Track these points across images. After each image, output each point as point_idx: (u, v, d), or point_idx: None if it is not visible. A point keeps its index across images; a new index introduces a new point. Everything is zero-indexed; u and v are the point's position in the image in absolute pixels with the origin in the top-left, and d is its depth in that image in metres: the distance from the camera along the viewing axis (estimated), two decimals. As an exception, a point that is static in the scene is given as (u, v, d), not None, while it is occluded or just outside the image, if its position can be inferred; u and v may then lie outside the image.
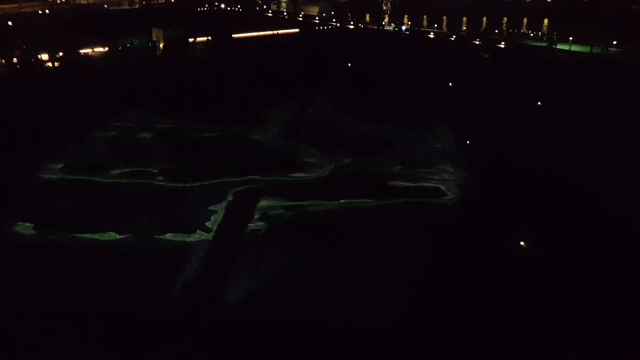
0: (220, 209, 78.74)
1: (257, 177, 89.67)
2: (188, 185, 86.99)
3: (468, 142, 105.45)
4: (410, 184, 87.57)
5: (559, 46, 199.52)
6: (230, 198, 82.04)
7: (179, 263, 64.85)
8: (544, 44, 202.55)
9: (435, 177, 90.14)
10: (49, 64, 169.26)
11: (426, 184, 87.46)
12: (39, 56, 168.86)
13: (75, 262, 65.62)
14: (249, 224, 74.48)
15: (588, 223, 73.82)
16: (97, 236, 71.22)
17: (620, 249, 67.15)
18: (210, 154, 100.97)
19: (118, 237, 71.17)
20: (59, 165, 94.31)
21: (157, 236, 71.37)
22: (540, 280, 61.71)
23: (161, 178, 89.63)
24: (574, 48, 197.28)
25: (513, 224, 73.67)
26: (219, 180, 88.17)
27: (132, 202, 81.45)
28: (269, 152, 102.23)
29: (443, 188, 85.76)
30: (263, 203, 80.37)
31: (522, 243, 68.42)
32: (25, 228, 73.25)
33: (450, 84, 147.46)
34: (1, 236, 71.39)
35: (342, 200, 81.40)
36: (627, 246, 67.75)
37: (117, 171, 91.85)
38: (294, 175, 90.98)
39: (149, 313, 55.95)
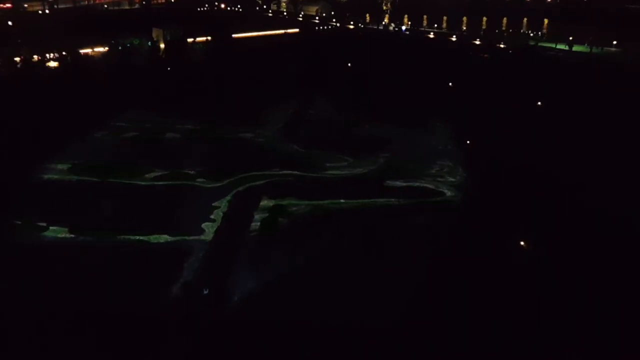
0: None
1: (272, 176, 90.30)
2: (219, 184, 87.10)
3: (468, 142, 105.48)
4: (410, 184, 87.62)
5: (559, 46, 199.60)
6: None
7: (182, 262, 64.98)
8: (533, 43, 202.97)
9: (434, 177, 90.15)
10: (49, 63, 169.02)
11: (425, 184, 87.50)
12: (37, 56, 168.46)
13: (75, 262, 65.59)
14: (251, 223, 74.54)
15: (588, 223, 73.82)
16: (142, 238, 70.85)
17: (620, 249, 67.18)
18: (216, 154, 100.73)
19: (169, 238, 70.64)
20: (66, 166, 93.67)
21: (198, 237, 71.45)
22: (540, 280, 61.74)
23: (201, 179, 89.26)
24: (574, 48, 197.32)
25: (513, 224, 73.69)
26: (230, 179, 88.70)
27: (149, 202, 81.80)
28: (275, 153, 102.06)
29: (443, 188, 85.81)
30: (263, 203, 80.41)
31: (522, 243, 68.43)
32: (59, 232, 72.33)
33: (450, 84, 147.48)
34: (34, 240, 70.43)
35: (342, 201, 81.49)
36: (627, 246, 67.78)
37: (129, 172, 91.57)
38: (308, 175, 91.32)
39: (149, 313, 55.95)
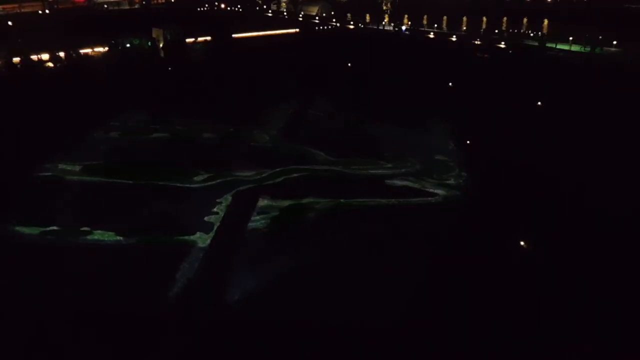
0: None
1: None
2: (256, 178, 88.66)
3: (468, 142, 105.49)
4: (409, 184, 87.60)
5: (559, 46, 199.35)
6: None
7: (182, 261, 65.02)
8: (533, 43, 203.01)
9: (434, 177, 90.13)
10: (49, 64, 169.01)
11: (425, 184, 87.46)
12: (35, 57, 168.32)
13: (75, 262, 65.55)
14: (250, 223, 74.59)
15: (588, 223, 73.82)
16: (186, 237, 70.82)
17: (620, 249, 67.17)
18: (248, 154, 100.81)
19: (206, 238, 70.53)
20: (77, 167, 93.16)
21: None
22: (540, 280, 61.74)
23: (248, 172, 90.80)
24: (573, 48, 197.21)
25: (513, 224, 73.71)
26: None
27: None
28: (280, 152, 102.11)
29: (442, 188, 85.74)
30: (263, 202, 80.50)
31: (522, 243, 68.44)
32: (108, 236, 71.40)
33: (450, 84, 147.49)
34: (78, 245, 69.62)
35: (342, 200, 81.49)
36: (627, 246, 67.77)
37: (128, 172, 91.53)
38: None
39: (149, 313, 55.97)
